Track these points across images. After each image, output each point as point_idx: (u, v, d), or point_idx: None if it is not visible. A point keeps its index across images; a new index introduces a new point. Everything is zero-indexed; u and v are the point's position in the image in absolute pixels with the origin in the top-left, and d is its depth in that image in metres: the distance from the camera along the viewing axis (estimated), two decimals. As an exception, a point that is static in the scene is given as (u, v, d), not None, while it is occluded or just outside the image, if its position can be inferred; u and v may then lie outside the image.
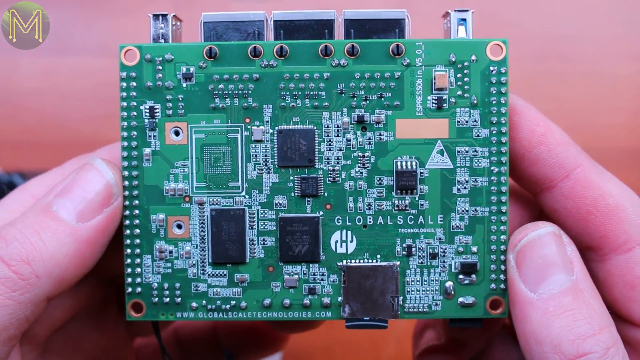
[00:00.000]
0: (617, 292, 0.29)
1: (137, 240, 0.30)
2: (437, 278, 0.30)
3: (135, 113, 0.30)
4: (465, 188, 0.29)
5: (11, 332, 0.26)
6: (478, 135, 0.29)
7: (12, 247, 0.26)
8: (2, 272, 0.26)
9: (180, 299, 0.30)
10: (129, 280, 0.30)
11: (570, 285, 0.27)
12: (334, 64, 0.29)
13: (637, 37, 0.52)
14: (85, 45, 0.51)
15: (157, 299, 0.30)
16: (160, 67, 0.29)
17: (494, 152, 0.29)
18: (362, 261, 0.30)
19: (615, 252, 0.29)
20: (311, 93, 0.29)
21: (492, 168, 0.29)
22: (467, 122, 0.29)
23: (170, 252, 0.30)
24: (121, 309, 0.35)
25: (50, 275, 0.26)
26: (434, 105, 0.29)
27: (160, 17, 0.30)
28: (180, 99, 0.30)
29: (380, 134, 0.29)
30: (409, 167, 0.29)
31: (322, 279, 0.30)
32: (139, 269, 0.30)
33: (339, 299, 0.30)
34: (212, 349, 0.40)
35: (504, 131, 0.29)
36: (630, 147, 0.51)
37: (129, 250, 0.30)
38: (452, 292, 0.30)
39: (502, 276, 0.30)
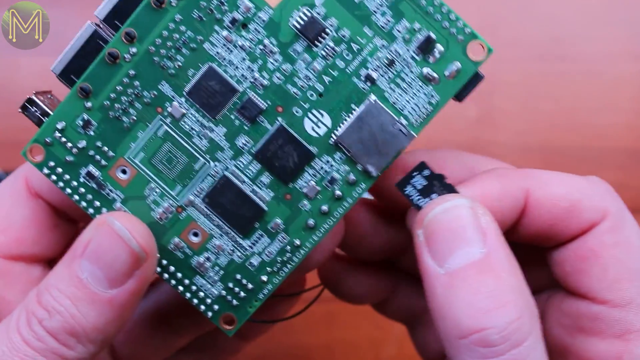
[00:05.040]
0: (568, 266, 0.29)
1: (179, 275, 0.30)
2: (412, 77, 0.28)
3: (82, 189, 0.30)
4: (360, -12, 0.28)
5: None
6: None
7: (56, 320, 0.27)
8: (51, 344, 0.27)
9: (250, 284, 0.30)
10: (203, 308, 0.30)
11: (479, 258, 0.26)
12: (173, 4, 0.28)
13: (637, 37, 0.51)
14: (85, 45, 0.51)
15: (235, 301, 0.30)
16: (64, 139, 0.29)
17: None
18: (344, 122, 0.29)
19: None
20: (180, 42, 0.28)
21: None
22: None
23: (208, 258, 0.30)
24: None
25: (94, 341, 0.27)
26: (273, -46, 0.28)
27: (27, 105, 0.29)
28: (100, 145, 0.29)
29: (259, 17, 0.28)
30: (305, 17, 0.28)
31: (331, 165, 0.29)
32: (201, 293, 0.30)
33: (358, 167, 0.29)
34: None
35: None
36: (630, 147, 0.50)
37: (181, 288, 0.30)
38: (435, 75, 0.28)
39: (467, 29, 0.28)
